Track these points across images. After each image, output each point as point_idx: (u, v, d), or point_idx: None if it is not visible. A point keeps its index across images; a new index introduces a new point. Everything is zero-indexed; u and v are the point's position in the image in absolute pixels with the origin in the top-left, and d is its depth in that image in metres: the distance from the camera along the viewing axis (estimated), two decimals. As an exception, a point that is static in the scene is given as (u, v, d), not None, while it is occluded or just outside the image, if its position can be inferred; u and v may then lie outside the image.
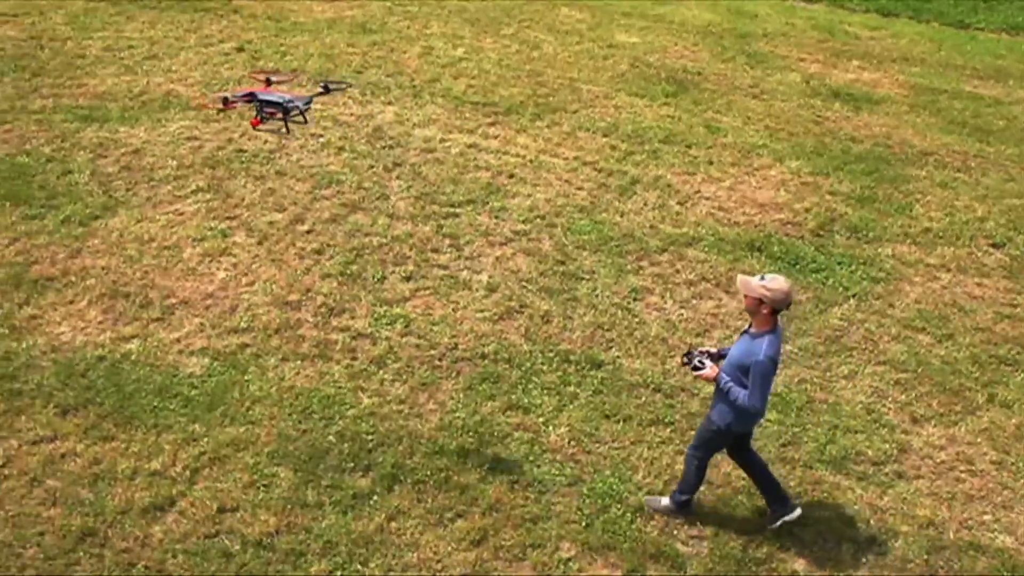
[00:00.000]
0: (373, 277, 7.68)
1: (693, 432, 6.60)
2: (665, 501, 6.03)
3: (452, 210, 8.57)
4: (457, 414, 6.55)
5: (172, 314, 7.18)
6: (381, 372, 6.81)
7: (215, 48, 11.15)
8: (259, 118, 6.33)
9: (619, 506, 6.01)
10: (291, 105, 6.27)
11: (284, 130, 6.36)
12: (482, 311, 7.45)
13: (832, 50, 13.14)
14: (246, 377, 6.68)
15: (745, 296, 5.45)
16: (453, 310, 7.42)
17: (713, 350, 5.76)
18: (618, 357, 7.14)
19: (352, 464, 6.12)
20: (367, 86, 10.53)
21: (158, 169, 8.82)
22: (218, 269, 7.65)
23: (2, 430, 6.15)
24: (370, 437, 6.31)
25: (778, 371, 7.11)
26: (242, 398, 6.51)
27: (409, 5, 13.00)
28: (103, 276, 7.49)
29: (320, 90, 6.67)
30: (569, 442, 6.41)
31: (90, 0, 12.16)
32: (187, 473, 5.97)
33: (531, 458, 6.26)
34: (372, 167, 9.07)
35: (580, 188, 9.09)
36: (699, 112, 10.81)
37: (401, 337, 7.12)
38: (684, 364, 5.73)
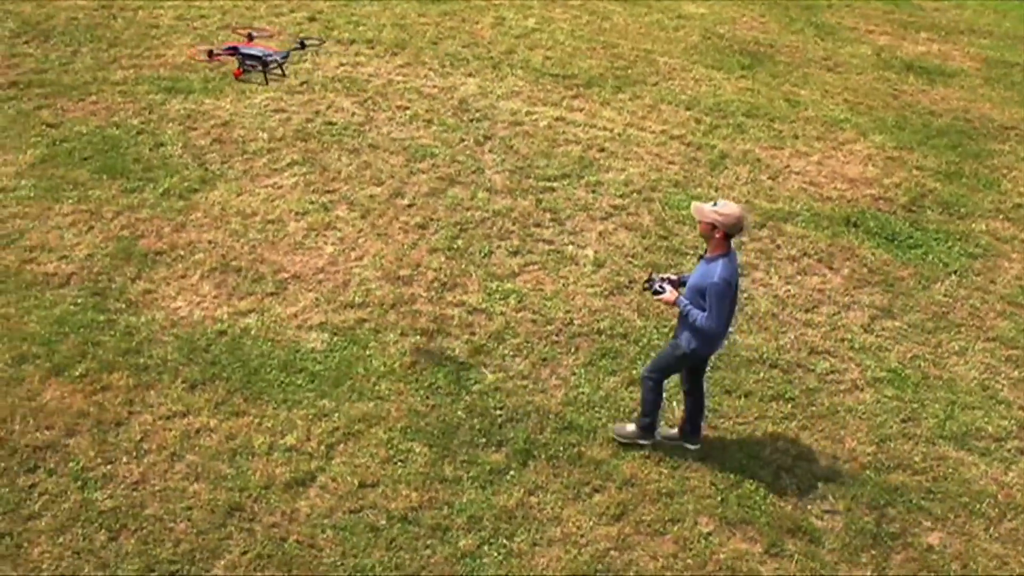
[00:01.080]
0: (480, 252, 7.68)
1: (814, 408, 6.67)
2: (631, 427, 6.21)
3: (548, 184, 8.54)
4: (581, 389, 6.58)
5: (285, 289, 7.20)
6: (501, 348, 6.83)
7: (287, 18, 11.04)
8: (241, 69, 6.94)
9: (751, 481, 6.07)
10: (270, 59, 6.87)
11: (264, 81, 7.09)
12: (592, 286, 7.45)
13: (899, 21, 13.00)
14: (368, 352, 6.71)
15: (699, 222, 5.69)
16: (564, 285, 7.43)
17: (674, 276, 5.97)
18: (731, 333, 7.14)
19: (484, 439, 6.17)
20: (445, 57, 10.46)
21: (250, 142, 8.78)
22: (325, 243, 7.65)
23: (135, 405, 6.20)
24: (499, 412, 6.35)
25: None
26: (367, 373, 6.54)
27: (472, -26, 12.84)
28: (211, 250, 7.49)
29: (296, 46, 7.10)
30: (695, 418, 6.45)
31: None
32: (323, 448, 6.02)
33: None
34: (463, 140, 9.03)
35: (671, 163, 9.05)
36: (777, 85, 10.73)
37: (516, 312, 7.13)
38: (645, 289, 5.95)
